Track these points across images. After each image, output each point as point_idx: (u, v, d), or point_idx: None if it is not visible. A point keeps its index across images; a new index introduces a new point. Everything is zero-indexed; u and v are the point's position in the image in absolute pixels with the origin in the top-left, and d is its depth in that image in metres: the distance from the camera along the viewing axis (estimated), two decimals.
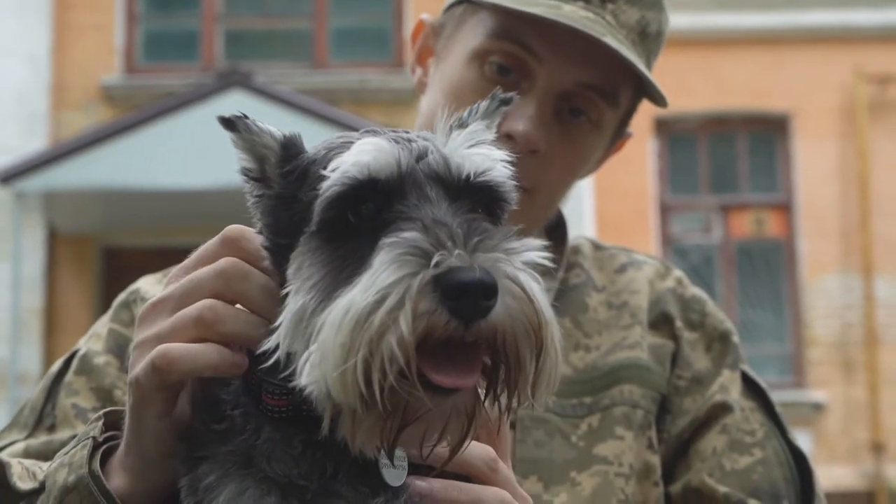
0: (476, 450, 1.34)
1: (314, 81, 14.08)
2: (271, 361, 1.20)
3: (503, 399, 1.17)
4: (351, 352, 1.10)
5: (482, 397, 1.17)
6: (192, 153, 12.01)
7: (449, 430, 1.17)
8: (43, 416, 1.78)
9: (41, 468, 1.47)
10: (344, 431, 1.17)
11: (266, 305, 1.25)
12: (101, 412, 1.44)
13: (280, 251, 1.26)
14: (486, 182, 1.24)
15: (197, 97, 12.59)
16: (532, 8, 1.78)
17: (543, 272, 1.90)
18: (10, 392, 12.58)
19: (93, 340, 1.87)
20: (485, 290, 1.09)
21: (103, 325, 1.90)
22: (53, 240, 13.64)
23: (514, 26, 1.82)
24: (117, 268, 13.58)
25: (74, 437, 1.53)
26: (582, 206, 13.55)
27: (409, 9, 14.09)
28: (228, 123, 1.28)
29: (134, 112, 13.01)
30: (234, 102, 12.39)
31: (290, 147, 1.28)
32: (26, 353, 12.92)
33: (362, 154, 1.20)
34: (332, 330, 1.11)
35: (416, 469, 1.29)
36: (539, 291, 1.15)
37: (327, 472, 1.24)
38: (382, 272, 1.11)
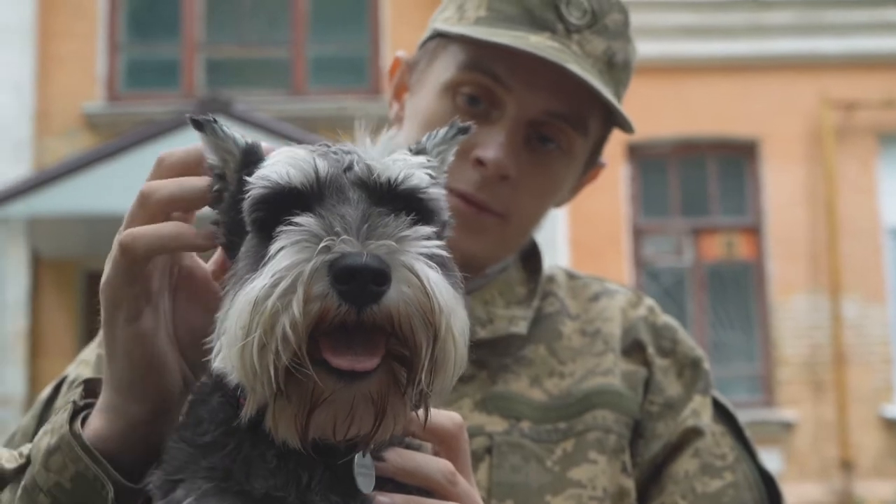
0: (435, 464, 1.35)
1: (292, 109, 14.10)
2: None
3: (409, 390, 1.19)
4: (248, 333, 1.13)
5: (394, 387, 1.18)
6: None
7: (357, 417, 1.18)
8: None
9: (28, 446, 1.48)
10: (267, 422, 1.19)
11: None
12: (81, 380, 1.47)
13: (234, 248, 1.29)
14: (408, 188, 1.25)
15: (178, 124, 12.58)
16: (499, 38, 1.80)
17: (519, 301, 1.92)
18: None
19: (81, 366, 1.88)
20: (374, 275, 1.11)
21: (91, 351, 1.91)
22: (37, 264, 13.60)
23: (483, 58, 1.84)
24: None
25: None
26: (556, 231, 13.60)
27: (386, 37, 14.14)
28: (197, 125, 1.34)
29: (116, 139, 12.99)
30: None
31: (251, 154, 1.32)
32: (11, 376, 12.86)
33: (278, 164, 1.24)
34: (234, 315, 1.15)
35: (379, 484, 1.30)
36: (436, 279, 1.16)
37: (303, 482, 1.26)
38: (279, 259, 1.14)
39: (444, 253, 1.20)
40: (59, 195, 12.32)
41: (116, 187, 12.09)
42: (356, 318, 1.13)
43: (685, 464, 1.87)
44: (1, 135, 13.72)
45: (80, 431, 1.36)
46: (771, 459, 14.09)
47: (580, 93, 1.82)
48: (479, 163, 1.82)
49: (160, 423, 1.37)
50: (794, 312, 15.14)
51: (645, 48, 14.10)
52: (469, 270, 1.91)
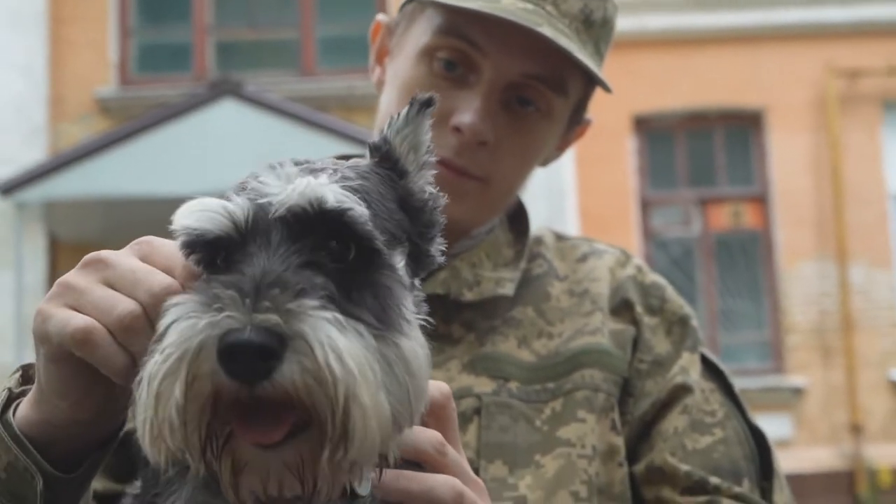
0: (424, 435, 1.31)
1: (303, 89, 14.08)
2: None
3: (329, 459, 1.10)
4: (147, 411, 1.08)
5: (310, 455, 1.11)
6: (186, 161, 12.02)
7: (281, 481, 1.11)
8: None
9: None
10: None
11: None
12: (20, 366, 1.45)
13: None
14: (329, 214, 1.15)
15: (190, 107, 12.61)
16: (470, 3, 1.78)
17: (506, 263, 1.90)
18: None
19: None
20: (259, 352, 1.04)
21: None
22: (54, 248, 13.62)
23: (458, 22, 1.81)
24: None
25: None
26: (565, 203, 13.58)
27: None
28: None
29: (129, 122, 13.00)
30: (226, 111, 12.41)
31: None
32: (31, 358, 12.85)
33: (185, 215, 1.17)
34: (140, 389, 1.10)
35: None
36: (338, 345, 1.06)
37: None
38: (169, 335, 1.08)
39: (336, 317, 1.09)
40: (75, 179, 12.34)
41: (131, 170, 12.14)
42: (250, 394, 1.06)
43: (674, 420, 1.86)
44: (16, 121, 13.73)
45: (12, 421, 1.33)
46: (781, 425, 14.10)
47: (557, 54, 1.80)
48: (457, 129, 1.80)
49: (91, 420, 1.32)
50: (801, 279, 15.11)
51: (652, 21, 14.08)
52: (454, 234, 1.91)
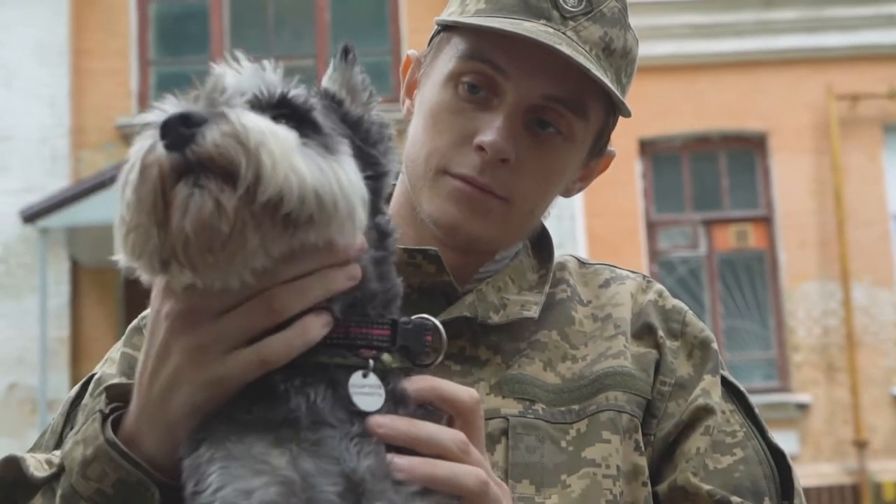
0: (448, 433, 1.36)
1: None
2: None
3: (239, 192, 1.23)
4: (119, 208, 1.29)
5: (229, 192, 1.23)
6: None
7: (204, 209, 1.22)
8: (63, 439, 1.78)
9: (55, 454, 1.50)
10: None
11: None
12: (102, 387, 1.49)
13: None
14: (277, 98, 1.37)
15: None
16: (492, 23, 1.79)
17: (531, 287, 1.91)
18: (41, 417, 12.61)
19: (107, 364, 1.91)
20: (182, 120, 1.21)
21: (117, 349, 1.93)
22: (77, 272, 13.66)
23: (481, 47, 1.82)
24: (138, 297, 13.36)
25: None
26: (575, 226, 13.59)
27: (406, 46, 14.14)
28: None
29: None
30: None
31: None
32: (55, 381, 12.92)
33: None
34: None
35: (392, 451, 1.31)
36: (253, 117, 1.25)
37: (311, 399, 1.28)
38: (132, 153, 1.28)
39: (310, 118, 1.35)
40: (97, 205, 12.35)
41: None
42: (183, 162, 1.21)
43: (696, 441, 1.85)
44: (40, 149, 13.80)
45: (115, 439, 1.37)
46: (787, 441, 14.06)
47: (578, 77, 1.80)
48: (480, 148, 1.80)
49: None
50: (805, 299, 15.10)
51: (657, 48, 14.10)
52: (479, 257, 1.91)
